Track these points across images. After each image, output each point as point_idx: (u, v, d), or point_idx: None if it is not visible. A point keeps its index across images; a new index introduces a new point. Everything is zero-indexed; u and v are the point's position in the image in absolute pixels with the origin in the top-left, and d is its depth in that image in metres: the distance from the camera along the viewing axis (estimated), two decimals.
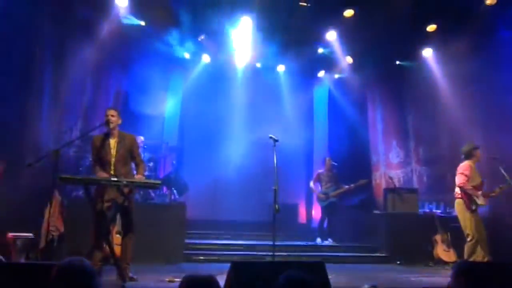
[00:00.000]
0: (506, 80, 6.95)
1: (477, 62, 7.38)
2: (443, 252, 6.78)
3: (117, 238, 5.12)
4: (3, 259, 4.36)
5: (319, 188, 7.99)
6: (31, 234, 5.02)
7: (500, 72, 7.04)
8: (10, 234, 4.91)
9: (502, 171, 5.70)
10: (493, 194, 5.82)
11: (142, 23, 7.97)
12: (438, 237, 6.89)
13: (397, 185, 8.40)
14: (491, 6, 7.04)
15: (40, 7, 6.47)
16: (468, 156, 5.93)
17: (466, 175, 5.74)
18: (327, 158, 8.14)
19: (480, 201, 5.68)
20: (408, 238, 7.03)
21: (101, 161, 4.58)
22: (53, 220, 5.30)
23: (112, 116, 4.56)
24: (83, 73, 7.34)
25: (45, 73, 6.58)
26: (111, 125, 4.56)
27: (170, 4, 7.35)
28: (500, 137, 6.70)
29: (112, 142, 4.59)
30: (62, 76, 6.84)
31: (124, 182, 4.20)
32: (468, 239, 5.68)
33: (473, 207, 5.69)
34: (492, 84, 7.19)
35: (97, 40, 7.39)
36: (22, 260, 4.82)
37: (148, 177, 7.22)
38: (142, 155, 7.53)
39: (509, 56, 6.96)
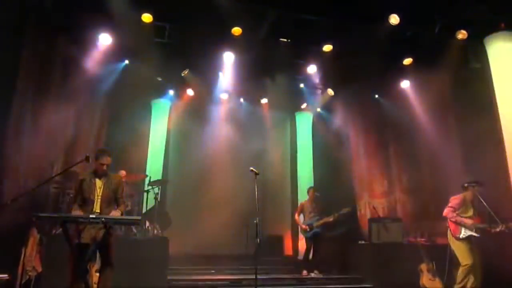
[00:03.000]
0: (478, 108, 7.19)
1: (452, 92, 7.66)
2: (428, 281, 6.72)
3: (96, 277, 4.97)
4: None
5: (303, 219, 7.95)
6: (6, 275, 4.85)
7: (473, 101, 7.30)
8: None
9: (484, 203, 5.68)
10: (496, 229, 5.60)
11: (126, 61, 8.12)
12: (423, 266, 6.84)
13: (381, 214, 8.43)
14: (462, 40, 7.40)
15: (22, 43, 6.53)
16: (464, 188, 6.04)
17: (451, 206, 5.87)
18: (311, 190, 8.12)
19: (466, 230, 5.73)
20: (394, 268, 6.94)
21: (84, 200, 4.49)
22: (30, 260, 5.17)
23: (107, 165, 4.52)
24: (65, 108, 7.33)
25: (26, 109, 6.56)
26: (106, 171, 4.55)
27: (153, 41, 7.51)
28: (478, 163, 6.86)
29: (99, 182, 4.53)
30: (43, 111, 6.82)
31: (102, 219, 4.12)
32: (462, 264, 5.71)
33: (460, 236, 5.76)
34: (466, 112, 7.44)
35: (80, 76, 7.45)
36: None
37: (130, 212, 7.16)
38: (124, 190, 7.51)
39: (480, 86, 7.25)
